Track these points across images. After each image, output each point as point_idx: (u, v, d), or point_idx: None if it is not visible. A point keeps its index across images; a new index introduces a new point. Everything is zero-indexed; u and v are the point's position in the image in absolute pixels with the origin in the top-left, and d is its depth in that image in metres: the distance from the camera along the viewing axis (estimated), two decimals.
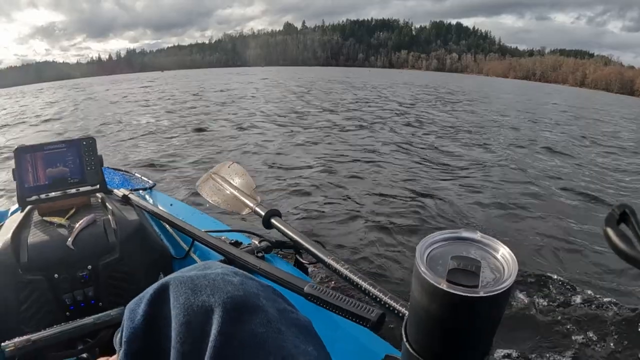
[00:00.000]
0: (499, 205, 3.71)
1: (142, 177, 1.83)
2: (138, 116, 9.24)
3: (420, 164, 5.21)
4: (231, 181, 1.28)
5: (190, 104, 11.85)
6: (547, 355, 1.79)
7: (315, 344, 0.48)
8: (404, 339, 0.35)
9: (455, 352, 0.32)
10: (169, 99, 14.34)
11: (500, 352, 1.75)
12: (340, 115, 9.72)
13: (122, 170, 1.95)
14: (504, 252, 0.32)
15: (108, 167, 1.85)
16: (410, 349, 0.34)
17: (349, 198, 3.68)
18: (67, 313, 0.94)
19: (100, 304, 0.98)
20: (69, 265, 0.96)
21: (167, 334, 0.46)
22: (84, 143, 1.19)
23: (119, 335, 0.48)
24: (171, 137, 6.39)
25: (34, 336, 0.80)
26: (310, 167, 4.71)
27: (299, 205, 3.41)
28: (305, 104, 12.33)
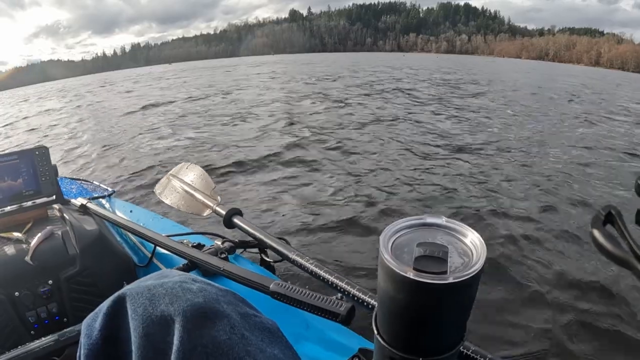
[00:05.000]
0: (466, 190, 3.66)
1: (101, 185, 1.79)
2: (95, 120, 8.96)
3: (386, 149, 5.17)
4: (190, 182, 1.26)
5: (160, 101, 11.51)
6: (522, 337, 1.79)
7: (282, 346, 0.47)
8: (375, 332, 0.33)
9: (427, 342, 0.31)
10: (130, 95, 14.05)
11: (474, 338, 1.72)
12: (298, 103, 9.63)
13: (79, 179, 1.91)
14: (471, 236, 0.30)
15: (64, 177, 1.82)
16: (382, 341, 0.33)
17: (310, 189, 3.66)
18: (32, 332, 0.91)
19: (65, 319, 0.96)
20: (29, 281, 0.93)
21: (127, 347, 0.44)
22: (37, 153, 1.15)
23: (78, 353, 0.47)
24: (130, 140, 6.27)
25: None
26: (269, 159, 4.66)
27: (259, 201, 3.39)
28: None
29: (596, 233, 0.24)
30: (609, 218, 0.25)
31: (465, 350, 0.50)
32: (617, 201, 3.53)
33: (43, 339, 0.83)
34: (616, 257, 0.23)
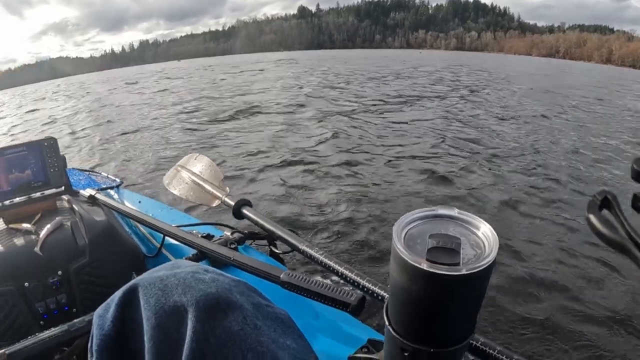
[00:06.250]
0: (480, 183, 3.68)
1: (109, 176, 1.79)
2: (102, 113, 9.03)
3: (395, 139, 5.23)
4: (199, 173, 1.26)
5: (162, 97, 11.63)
6: (531, 331, 1.80)
7: (294, 335, 0.47)
8: (386, 322, 0.34)
9: (439, 333, 0.31)
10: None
11: (484, 330, 1.75)
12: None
13: (87, 170, 1.91)
14: (483, 228, 0.31)
15: (73, 168, 1.82)
16: (392, 332, 0.33)
17: (320, 181, 3.67)
18: (42, 322, 0.92)
19: (75, 310, 0.96)
20: (39, 272, 0.93)
21: (140, 338, 0.44)
22: (45, 144, 1.15)
23: (90, 343, 0.47)
24: (137, 132, 6.32)
25: (9, 350, 0.77)
26: (276, 151, 4.68)
27: (268, 192, 3.40)
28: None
29: (592, 218, 0.24)
30: (605, 203, 0.25)
31: (474, 342, 0.51)
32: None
33: (53, 329, 0.83)
34: (613, 241, 0.23)
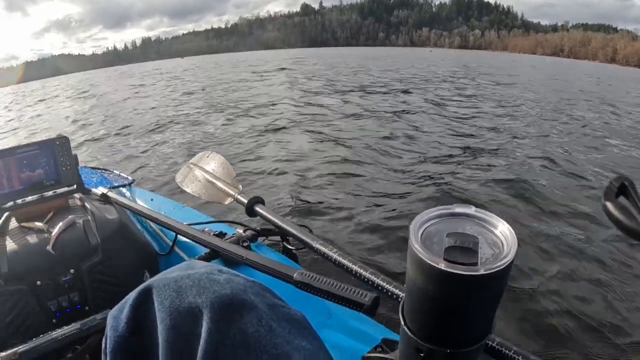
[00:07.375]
0: (496, 181, 3.60)
1: (121, 174, 1.77)
2: (114, 110, 9.01)
3: (413, 137, 5.17)
4: (211, 171, 1.25)
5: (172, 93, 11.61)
6: (550, 331, 1.77)
7: (309, 337, 0.46)
8: (402, 322, 0.33)
9: (455, 333, 0.31)
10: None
11: (501, 330, 1.71)
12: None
13: (99, 169, 1.90)
14: (501, 227, 0.30)
15: (85, 167, 1.82)
16: (408, 332, 0.32)
17: (334, 178, 3.64)
18: (54, 320, 0.92)
19: (87, 308, 0.96)
20: (51, 270, 0.93)
21: (154, 339, 0.44)
22: (57, 143, 1.15)
23: (104, 344, 0.47)
24: (150, 130, 6.29)
25: (21, 348, 0.77)
26: (289, 149, 4.64)
27: (282, 190, 3.37)
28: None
29: (609, 205, 0.23)
30: (623, 189, 0.24)
31: (490, 342, 0.50)
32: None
33: (65, 327, 0.83)
34: (631, 230, 0.22)
